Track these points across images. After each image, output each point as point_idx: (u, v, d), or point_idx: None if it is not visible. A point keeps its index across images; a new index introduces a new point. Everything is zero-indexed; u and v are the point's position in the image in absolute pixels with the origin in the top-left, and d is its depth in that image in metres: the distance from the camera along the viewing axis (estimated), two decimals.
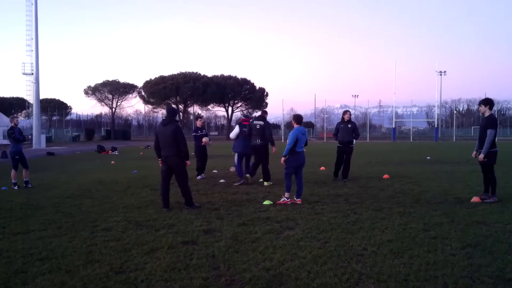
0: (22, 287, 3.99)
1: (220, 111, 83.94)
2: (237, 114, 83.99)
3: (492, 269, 4.28)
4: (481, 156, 7.95)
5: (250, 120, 11.22)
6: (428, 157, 20.97)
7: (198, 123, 13.07)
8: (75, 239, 5.64)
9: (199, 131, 12.65)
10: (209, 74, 76.19)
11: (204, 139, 12.17)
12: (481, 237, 5.49)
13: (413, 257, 4.71)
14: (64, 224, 6.57)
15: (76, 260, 4.75)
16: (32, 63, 39.33)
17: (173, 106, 38.98)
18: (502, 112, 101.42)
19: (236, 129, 11.07)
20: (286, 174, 8.28)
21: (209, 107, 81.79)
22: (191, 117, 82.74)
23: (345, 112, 11.88)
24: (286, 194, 8.20)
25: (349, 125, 11.65)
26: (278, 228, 6.16)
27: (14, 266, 4.57)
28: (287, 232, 5.90)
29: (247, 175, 11.04)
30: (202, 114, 18.16)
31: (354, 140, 11.82)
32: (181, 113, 73.77)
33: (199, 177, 12.34)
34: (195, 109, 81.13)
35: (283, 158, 8.20)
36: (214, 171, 14.37)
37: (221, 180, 11.65)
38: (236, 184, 10.79)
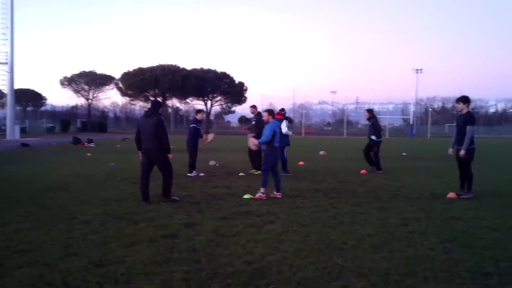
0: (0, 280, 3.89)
1: (199, 104, 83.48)
2: (216, 108, 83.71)
3: (469, 263, 4.37)
4: (462, 152, 8.10)
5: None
6: (404, 153, 21.31)
7: (199, 116, 12.19)
8: (52, 232, 5.52)
9: (198, 124, 11.82)
10: (189, 67, 75.71)
11: (209, 136, 12.05)
12: (458, 233, 5.61)
13: (393, 251, 4.79)
14: (41, 216, 6.41)
15: (55, 253, 4.66)
16: (7, 52, 38.24)
17: (155, 98, 38.18)
18: (476, 111, 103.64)
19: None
20: (264, 169, 8.24)
21: (188, 100, 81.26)
22: (169, 110, 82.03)
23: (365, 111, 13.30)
24: (262, 190, 8.16)
25: (370, 122, 12.89)
26: (259, 222, 6.17)
27: None
28: (268, 226, 5.91)
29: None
30: (202, 109, 17.73)
31: (373, 136, 12.69)
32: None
33: (190, 174, 11.52)
34: (174, 102, 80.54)
35: (256, 141, 8.34)
36: None
37: (201, 174, 11.59)
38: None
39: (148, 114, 7.63)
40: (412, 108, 72.18)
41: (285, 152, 11.84)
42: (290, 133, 11.88)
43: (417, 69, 74.02)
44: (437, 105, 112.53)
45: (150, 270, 4.17)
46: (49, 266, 4.24)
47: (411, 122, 67.98)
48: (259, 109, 12.03)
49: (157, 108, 7.77)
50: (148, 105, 8.30)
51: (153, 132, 7.46)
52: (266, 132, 8.10)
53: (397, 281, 3.91)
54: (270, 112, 8.51)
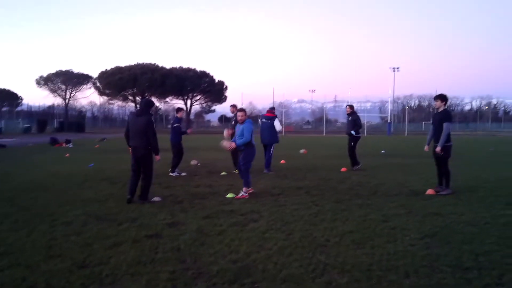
0: None
1: (178, 103, 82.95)
2: (196, 107, 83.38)
3: (449, 258, 4.49)
4: (438, 148, 8.27)
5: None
6: (382, 151, 21.60)
7: (180, 114, 12.04)
8: (33, 233, 5.44)
9: (176, 124, 11.68)
10: (168, 66, 75.16)
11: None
12: (438, 228, 5.74)
13: (375, 247, 4.87)
14: (20, 218, 6.31)
15: (36, 255, 4.60)
16: None
17: (146, 97, 37.77)
18: (451, 108, 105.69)
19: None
20: (246, 169, 8.27)
21: (167, 99, 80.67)
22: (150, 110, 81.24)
23: (346, 107, 13.36)
24: (244, 189, 8.20)
25: (350, 118, 12.89)
26: (243, 220, 6.20)
27: None
28: (252, 224, 5.95)
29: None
30: (182, 107, 17.45)
31: (353, 130, 12.76)
32: (138, 105, 72.14)
33: (172, 174, 11.37)
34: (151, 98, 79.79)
35: (233, 144, 8.25)
36: None
37: (183, 173, 11.54)
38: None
39: (139, 113, 7.63)
40: (389, 106, 73.21)
41: (272, 149, 12.12)
42: (280, 129, 12.39)
43: (394, 68, 75.13)
44: (413, 103, 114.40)
45: (135, 270, 4.16)
46: (32, 268, 4.19)
47: (388, 120, 68.88)
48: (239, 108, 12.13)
49: (148, 107, 7.80)
50: (127, 104, 8.28)
51: (142, 131, 7.45)
52: (246, 133, 8.09)
53: (379, 276, 3.99)
54: (246, 111, 8.56)
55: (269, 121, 12.06)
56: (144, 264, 4.34)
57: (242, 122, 8.24)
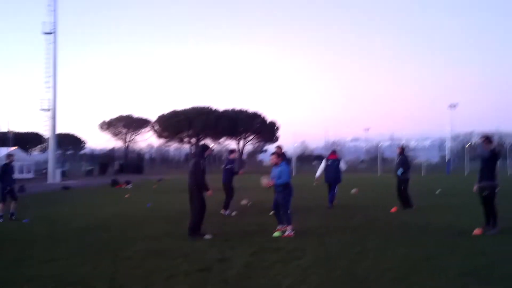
0: None
1: (231, 144, 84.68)
2: (249, 147, 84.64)
3: None
4: (475, 187, 8.50)
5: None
6: (438, 191, 21.04)
7: (232, 156, 13.12)
8: (99, 267, 6.09)
9: (231, 164, 12.44)
10: (221, 108, 77.50)
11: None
12: (479, 267, 5.81)
13: (413, 284, 5.06)
14: (87, 253, 7.02)
15: (102, 285, 5.19)
16: (49, 99, 40.46)
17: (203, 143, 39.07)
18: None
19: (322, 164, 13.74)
20: (287, 208, 8.59)
21: (220, 140, 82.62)
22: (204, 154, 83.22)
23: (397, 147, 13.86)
24: (290, 227, 8.48)
25: (399, 158, 13.26)
26: (288, 257, 6.54)
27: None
28: (296, 261, 6.27)
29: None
30: (235, 148, 18.09)
31: (400, 170, 12.84)
32: (194, 147, 74.38)
33: (224, 212, 11.84)
34: (207, 142, 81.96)
35: (271, 182, 8.68)
36: None
37: (233, 213, 11.97)
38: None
39: (193, 155, 8.55)
40: (448, 144, 70.99)
41: (336, 188, 13.43)
42: (344, 169, 13.88)
43: (451, 104, 73.01)
44: (474, 140, 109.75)
45: None
46: None
47: (447, 159, 66.57)
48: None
49: (201, 151, 8.82)
50: (182, 146, 9.15)
51: (191, 171, 8.39)
52: (284, 175, 8.51)
53: None
54: (279, 154, 9.01)
55: (335, 162, 13.39)
56: None
57: (277, 164, 8.66)
